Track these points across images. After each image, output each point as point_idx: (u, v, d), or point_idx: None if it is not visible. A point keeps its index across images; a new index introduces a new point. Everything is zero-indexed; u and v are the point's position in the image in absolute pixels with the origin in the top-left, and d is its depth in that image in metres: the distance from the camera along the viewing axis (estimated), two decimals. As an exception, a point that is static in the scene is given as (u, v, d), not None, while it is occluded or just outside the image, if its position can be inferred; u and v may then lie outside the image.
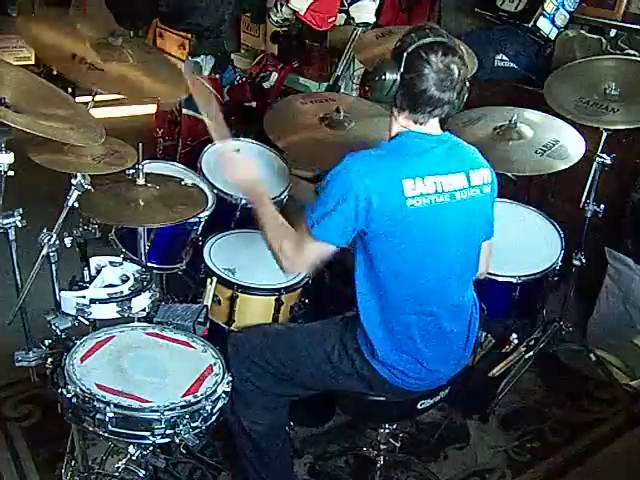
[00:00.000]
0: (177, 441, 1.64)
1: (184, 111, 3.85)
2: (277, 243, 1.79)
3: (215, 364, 1.80)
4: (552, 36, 3.52)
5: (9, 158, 1.82)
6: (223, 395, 1.73)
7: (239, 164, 2.00)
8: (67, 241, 2.10)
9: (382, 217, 1.67)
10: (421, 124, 1.73)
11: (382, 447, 2.16)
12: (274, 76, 4.17)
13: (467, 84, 1.72)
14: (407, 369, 1.82)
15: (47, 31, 2.15)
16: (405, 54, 1.66)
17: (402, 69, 1.67)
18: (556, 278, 2.57)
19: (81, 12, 5.76)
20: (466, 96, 1.74)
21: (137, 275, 1.99)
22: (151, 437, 1.62)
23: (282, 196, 2.67)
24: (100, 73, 2.18)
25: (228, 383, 1.75)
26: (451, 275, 1.81)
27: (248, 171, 1.99)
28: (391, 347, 1.80)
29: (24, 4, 5.79)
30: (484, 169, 1.83)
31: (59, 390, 1.65)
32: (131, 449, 1.76)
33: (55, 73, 3.79)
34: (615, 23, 3.40)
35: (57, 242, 1.92)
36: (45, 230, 1.91)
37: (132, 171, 2.15)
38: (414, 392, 1.88)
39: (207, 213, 2.45)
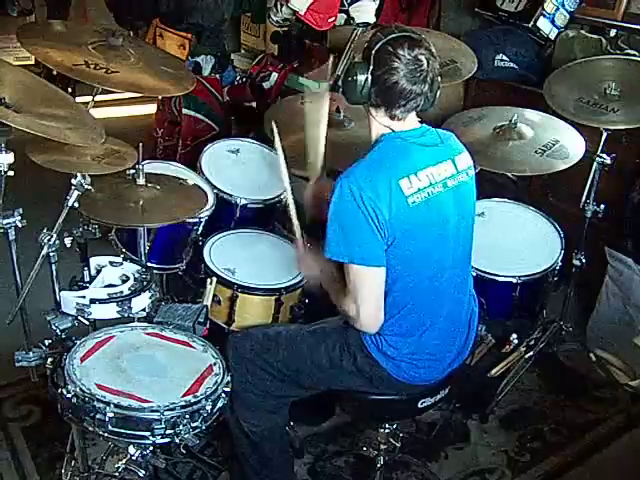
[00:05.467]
0: (177, 441, 1.64)
1: (184, 111, 3.85)
2: (343, 310, 1.81)
3: (215, 364, 1.80)
4: (552, 36, 3.52)
5: (9, 158, 1.82)
6: (223, 395, 1.73)
7: (306, 264, 2.02)
8: (67, 241, 2.10)
9: (391, 223, 1.68)
10: (399, 120, 1.75)
11: (382, 447, 2.16)
12: (274, 76, 4.16)
13: (439, 78, 1.73)
14: (417, 361, 1.83)
15: (50, 48, 2.16)
16: (373, 52, 1.70)
17: (372, 66, 1.70)
18: (556, 278, 2.57)
19: (81, 13, 5.77)
20: (439, 89, 1.75)
21: (137, 275, 1.99)
22: (151, 437, 1.62)
23: (282, 196, 2.67)
24: (108, 73, 2.18)
25: (228, 383, 1.75)
26: (453, 264, 1.83)
27: (313, 269, 1.99)
28: (404, 341, 1.82)
29: (24, 4, 5.80)
30: (465, 153, 1.87)
31: (59, 390, 1.65)
32: (131, 449, 1.76)
33: (55, 73, 3.79)
34: (615, 23, 3.40)
35: (57, 242, 1.92)
36: (45, 230, 1.91)
37: (132, 171, 2.15)
38: (416, 386, 1.88)
39: (207, 213, 2.45)
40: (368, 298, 1.75)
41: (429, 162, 1.76)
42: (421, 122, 1.81)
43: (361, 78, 1.71)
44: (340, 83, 3.41)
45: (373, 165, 1.73)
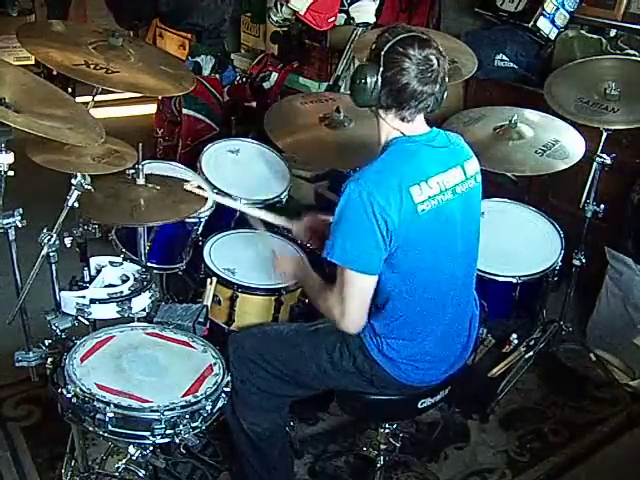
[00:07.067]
0: (177, 441, 1.64)
1: (184, 111, 3.85)
2: (325, 307, 1.83)
3: (215, 364, 1.80)
4: (552, 36, 3.52)
5: (9, 158, 1.82)
6: (223, 395, 1.73)
7: (287, 262, 2.13)
8: (67, 241, 2.10)
9: (400, 230, 1.68)
10: (409, 121, 1.74)
11: (382, 447, 2.16)
12: (274, 76, 4.17)
13: (447, 79, 1.72)
14: (418, 363, 1.83)
15: (50, 48, 2.16)
16: (383, 53, 1.67)
17: (382, 68, 1.67)
18: (556, 278, 2.57)
19: (81, 13, 5.78)
20: (447, 90, 1.74)
21: (137, 275, 1.99)
22: (151, 437, 1.62)
23: (282, 196, 2.67)
24: (108, 73, 2.18)
25: (228, 383, 1.75)
26: (458, 269, 1.83)
27: (294, 265, 2.10)
28: (406, 344, 1.82)
29: (24, 4, 5.81)
30: (473, 158, 1.86)
31: (59, 390, 1.65)
32: (131, 449, 1.76)
33: (55, 73, 3.79)
34: (615, 23, 3.41)
35: (57, 242, 1.92)
36: (45, 230, 1.91)
37: (132, 171, 2.15)
38: (416, 387, 1.89)
39: (207, 213, 2.45)
40: (355, 303, 1.76)
41: (440, 168, 1.75)
42: (427, 123, 1.80)
43: (371, 80, 1.68)
44: (340, 83, 3.42)
45: (384, 170, 1.71)
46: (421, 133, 1.76)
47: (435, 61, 1.66)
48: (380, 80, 1.68)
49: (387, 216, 1.65)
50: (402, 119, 1.73)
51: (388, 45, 1.67)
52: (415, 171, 1.72)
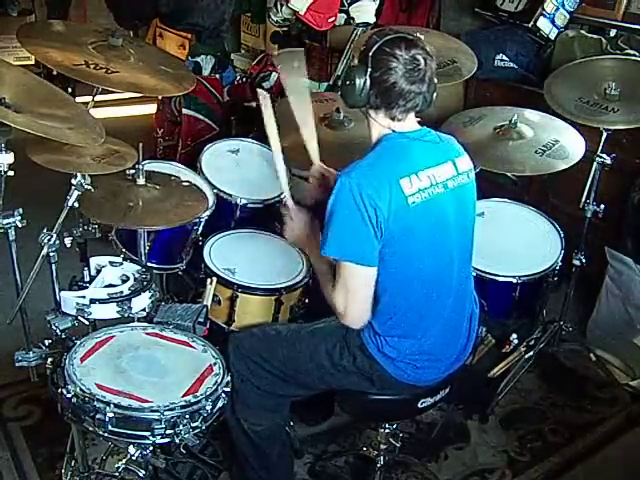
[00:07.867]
0: (177, 441, 1.64)
1: (184, 111, 3.85)
2: (331, 300, 1.82)
3: (215, 364, 1.80)
4: (552, 36, 3.52)
5: (9, 158, 1.82)
6: (223, 395, 1.73)
7: (293, 225, 2.02)
8: (67, 241, 2.10)
9: (390, 222, 1.69)
10: (399, 120, 1.75)
11: (382, 447, 2.16)
12: (274, 76, 4.17)
13: (435, 78, 1.74)
14: (417, 362, 1.83)
15: (50, 48, 2.16)
16: (370, 54, 1.70)
17: (370, 68, 1.70)
18: (556, 278, 2.57)
19: (81, 13, 5.78)
20: (436, 90, 1.75)
21: (137, 275, 1.99)
22: (151, 437, 1.62)
23: (282, 196, 2.67)
24: (108, 73, 2.18)
25: (228, 383, 1.75)
26: (452, 265, 1.83)
27: (300, 230, 1.99)
28: (404, 342, 1.82)
29: (24, 4, 5.82)
30: (465, 156, 1.88)
31: (59, 390, 1.65)
32: (131, 449, 1.76)
33: (55, 73, 3.79)
34: (615, 23, 3.41)
35: (57, 242, 1.92)
36: (45, 230, 1.91)
37: (132, 171, 2.15)
38: (416, 387, 1.89)
39: (207, 213, 2.45)
40: (357, 297, 1.76)
41: (430, 163, 1.77)
42: (421, 124, 1.81)
43: (359, 81, 1.71)
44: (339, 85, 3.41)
45: (374, 163, 1.73)
46: (412, 130, 1.78)
47: (422, 61, 1.69)
48: (369, 81, 1.71)
49: (376, 206, 1.66)
50: (392, 118, 1.75)
51: (376, 46, 1.70)
52: (405, 164, 1.73)
